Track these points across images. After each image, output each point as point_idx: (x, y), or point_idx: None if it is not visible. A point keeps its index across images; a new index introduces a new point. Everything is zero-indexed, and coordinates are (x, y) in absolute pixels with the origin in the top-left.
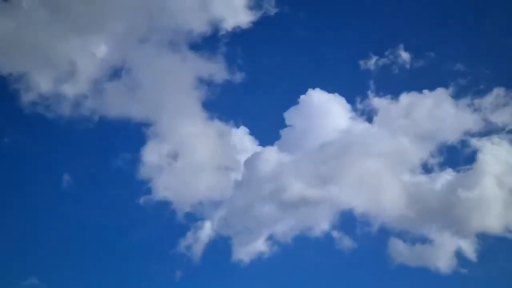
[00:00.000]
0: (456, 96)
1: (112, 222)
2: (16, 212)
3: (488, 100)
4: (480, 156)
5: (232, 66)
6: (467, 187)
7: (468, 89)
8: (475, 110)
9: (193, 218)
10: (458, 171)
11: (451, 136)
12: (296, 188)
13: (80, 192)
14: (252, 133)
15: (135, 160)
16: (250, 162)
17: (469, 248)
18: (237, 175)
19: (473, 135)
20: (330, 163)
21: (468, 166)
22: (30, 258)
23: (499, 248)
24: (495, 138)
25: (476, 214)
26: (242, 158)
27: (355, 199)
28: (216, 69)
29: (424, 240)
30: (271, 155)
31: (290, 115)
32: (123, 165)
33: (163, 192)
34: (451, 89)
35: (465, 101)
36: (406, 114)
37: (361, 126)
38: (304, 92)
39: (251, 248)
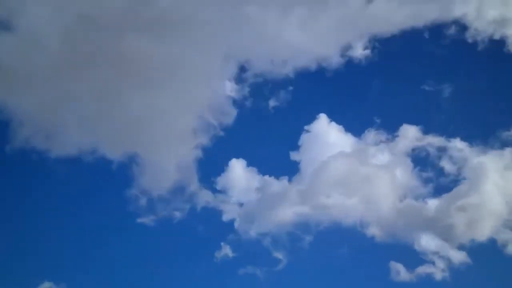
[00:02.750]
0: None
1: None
2: (30, 216)
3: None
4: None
5: None
6: (461, 199)
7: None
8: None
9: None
10: (450, 190)
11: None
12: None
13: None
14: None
15: None
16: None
17: (464, 259)
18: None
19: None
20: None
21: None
22: (44, 262)
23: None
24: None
25: (470, 225)
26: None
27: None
28: None
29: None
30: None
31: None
32: None
33: None
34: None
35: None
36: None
37: (362, 154)
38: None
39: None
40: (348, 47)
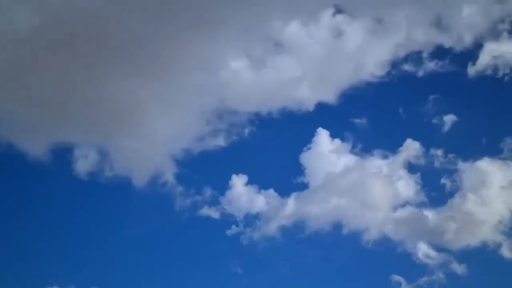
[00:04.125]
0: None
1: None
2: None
3: None
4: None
5: None
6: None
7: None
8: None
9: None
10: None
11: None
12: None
13: None
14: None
15: None
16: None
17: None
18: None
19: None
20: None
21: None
22: (50, 266)
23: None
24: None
25: (467, 233)
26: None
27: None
28: None
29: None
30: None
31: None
32: None
33: None
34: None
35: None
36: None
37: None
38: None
39: None
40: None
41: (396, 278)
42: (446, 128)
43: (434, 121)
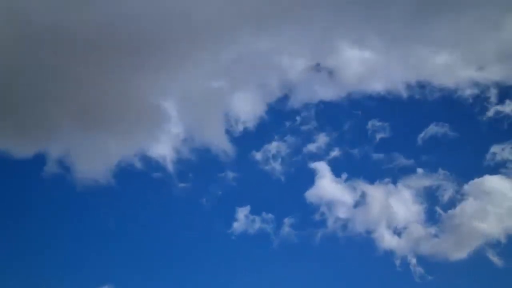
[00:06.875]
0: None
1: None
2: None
3: None
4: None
5: None
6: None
7: None
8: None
9: None
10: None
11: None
12: None
13: None
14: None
15: None
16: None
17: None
18: None
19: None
20: None
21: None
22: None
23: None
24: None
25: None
26: None
27: None
28: None
29: None
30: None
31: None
32: None
33: None
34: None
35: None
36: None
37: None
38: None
39: None
40: None
41: None
42: (445, 147)
43: (434, 141)
